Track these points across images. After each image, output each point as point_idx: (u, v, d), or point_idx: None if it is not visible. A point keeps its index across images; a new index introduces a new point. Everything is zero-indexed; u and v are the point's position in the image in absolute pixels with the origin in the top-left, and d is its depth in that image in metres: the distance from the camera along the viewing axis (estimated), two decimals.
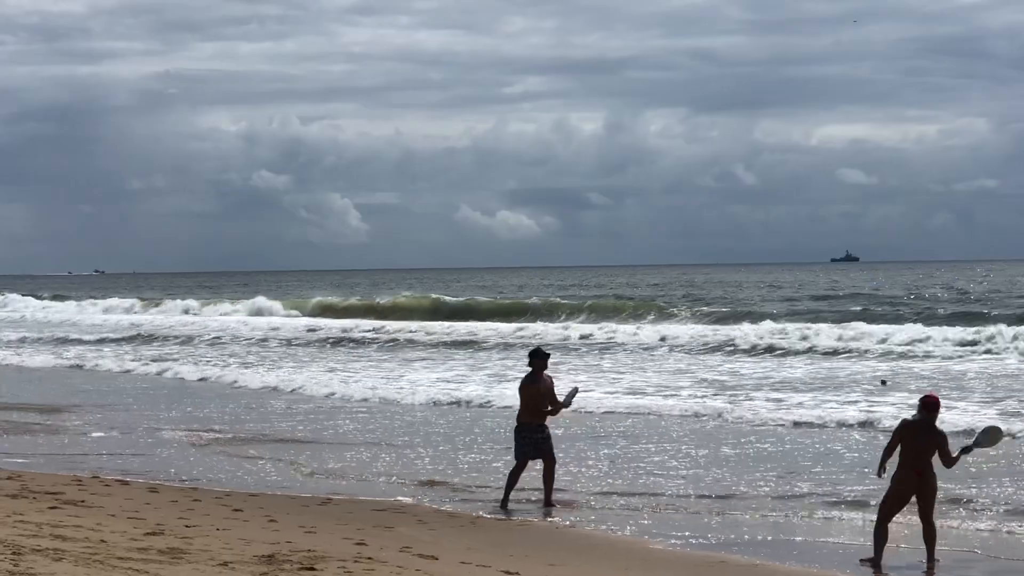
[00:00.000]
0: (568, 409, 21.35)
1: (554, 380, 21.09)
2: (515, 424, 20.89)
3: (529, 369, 20.86)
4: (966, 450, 16.67)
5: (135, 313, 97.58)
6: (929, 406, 16.54)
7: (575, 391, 21.22)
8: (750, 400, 33.69)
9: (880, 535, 16.37)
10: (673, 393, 35.79)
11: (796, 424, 28.94)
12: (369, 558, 14.68)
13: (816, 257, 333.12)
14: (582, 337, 59.28)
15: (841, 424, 28.54)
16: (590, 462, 24.15)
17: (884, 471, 16.57)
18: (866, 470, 21.92)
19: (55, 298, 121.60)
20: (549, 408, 20.65)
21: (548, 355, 21.04)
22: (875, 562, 16.24)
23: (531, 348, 21.63)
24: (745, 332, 54.98)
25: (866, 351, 48.48)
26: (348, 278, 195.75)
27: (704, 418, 30.47)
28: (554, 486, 20.45)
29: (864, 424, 28.27)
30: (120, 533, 15.53)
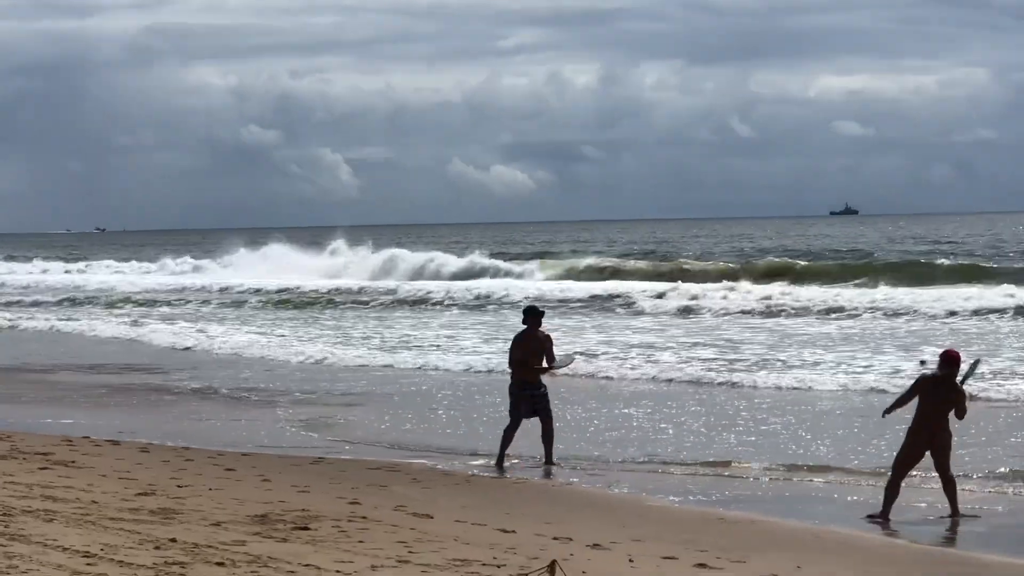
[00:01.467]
0: (562, 370, 21.23)
1: (552, 339, 20.91)
2: (510, 382, 20.72)
3: (524, 327, 20.67)
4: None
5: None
6: (949, 361, 16.55)
7: (572, 357, 21.17)
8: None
9: (891, 491, 16.34)
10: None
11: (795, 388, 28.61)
12: (363, 517, 14.61)
13: (815, 210, 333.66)
14: None
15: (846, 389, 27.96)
16: (592, 425, 24.02)
17: (888, 414, 16.90)
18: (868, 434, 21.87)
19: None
20: (540, 366, 20.46)
21: (542, 312, 20.81)
22: (883, 516, 16.20)
23: (526, 305, 21.45)
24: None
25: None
26: (350, 233, 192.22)
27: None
28: (554, 446, 20.32)
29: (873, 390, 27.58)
30: (111, 494, 15.49)
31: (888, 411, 16.94)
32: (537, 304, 21.50)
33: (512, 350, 20.62)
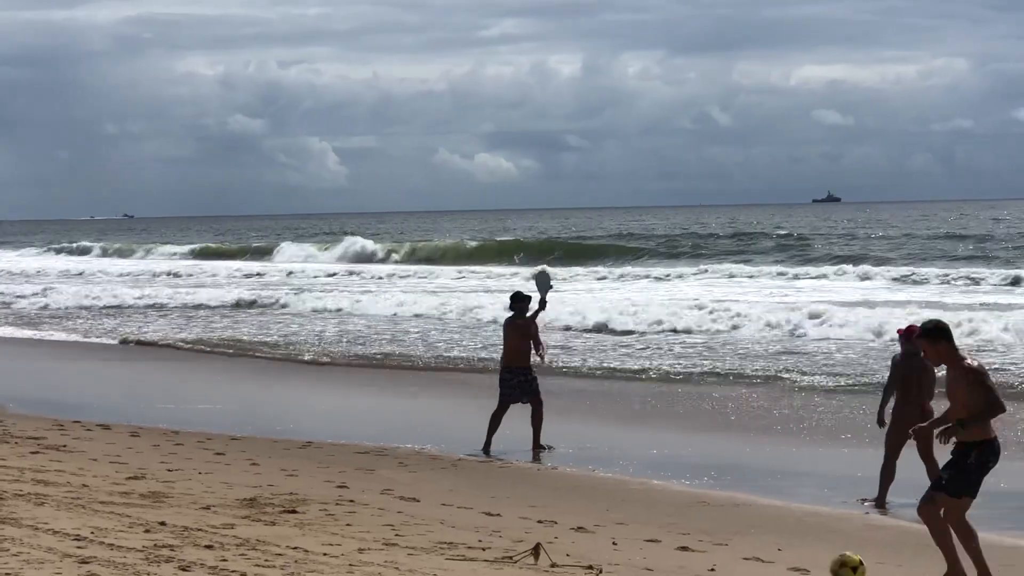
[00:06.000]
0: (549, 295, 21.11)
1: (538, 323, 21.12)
2: (499, 368, 20.89)
3: (512, 312, 20.84)
4: None
5: None
6: (910, 336, 16.46)
7: (545, 277, 21.15)
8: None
9: (887, 473, 16.33)
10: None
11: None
12: (351, 500, 14.75)
13: (798, 198, 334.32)
14: None
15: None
16: (573, 411, 24.17)
17: (884, 422, 16.51)
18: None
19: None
20: (538, 351, 20.68)
21: (528, 298, 20.96)
22: (879, 501, 16.27)
23: (512, 292, 21.54)
24: None
25: None
26: (383, 222, 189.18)
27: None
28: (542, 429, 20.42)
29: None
30: (102, 477, 15.59)
31: (881, 418, 16.54)
32: (522, 290, 21.54)
33: (507, 336, 20.78)
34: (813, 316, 36.27)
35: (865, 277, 57.43)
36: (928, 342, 12.40)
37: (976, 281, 53.20)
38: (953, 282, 53.56)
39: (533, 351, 20.66)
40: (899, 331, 17.00)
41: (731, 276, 61.65)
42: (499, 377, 20.77)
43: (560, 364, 25.34)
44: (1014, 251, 69.45)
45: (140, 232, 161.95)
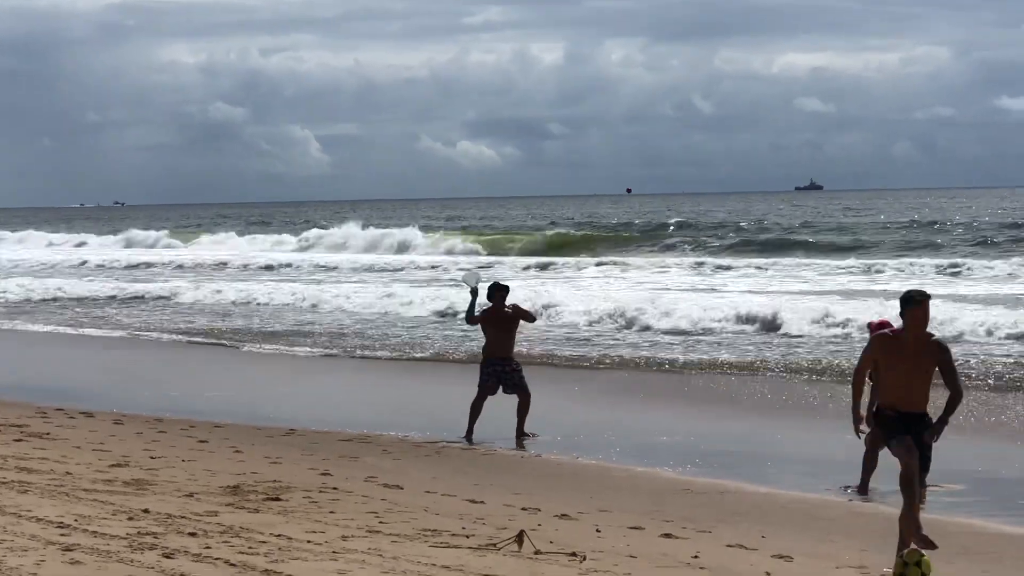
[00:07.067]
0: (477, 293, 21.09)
1: (519, 307, 21.15)
2: (482, 358, 20.89)
3: (488, 304, 20.85)
4: None
5: None
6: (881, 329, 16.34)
7: (475, 275, 21.32)
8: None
9: (868, 463, 16.19)
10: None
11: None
12: (334, 488, 14.76)
13: (780, 186, 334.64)
14: None
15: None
16: (560, 397, 24.19)
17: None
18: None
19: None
20: (524, 316, 20.82)
21: (507, 288, 20.97)
22: (862, 489, 16.21)
23: (491, 283, 21.49)
24: None
25: None
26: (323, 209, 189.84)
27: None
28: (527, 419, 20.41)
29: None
30: (85, 465, 15.59)
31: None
32: (500, 280, 21.53)
33: (485, 328, 20.78)
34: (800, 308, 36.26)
35: (835, 270, 57.39)
36: (920, 309, 12.02)
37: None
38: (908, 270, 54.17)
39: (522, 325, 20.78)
40: (869, 324, 16.97)
41: (701, 263, 61.67)
42: (480, 367, 20.79)
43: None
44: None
45: (110, 220, 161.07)
